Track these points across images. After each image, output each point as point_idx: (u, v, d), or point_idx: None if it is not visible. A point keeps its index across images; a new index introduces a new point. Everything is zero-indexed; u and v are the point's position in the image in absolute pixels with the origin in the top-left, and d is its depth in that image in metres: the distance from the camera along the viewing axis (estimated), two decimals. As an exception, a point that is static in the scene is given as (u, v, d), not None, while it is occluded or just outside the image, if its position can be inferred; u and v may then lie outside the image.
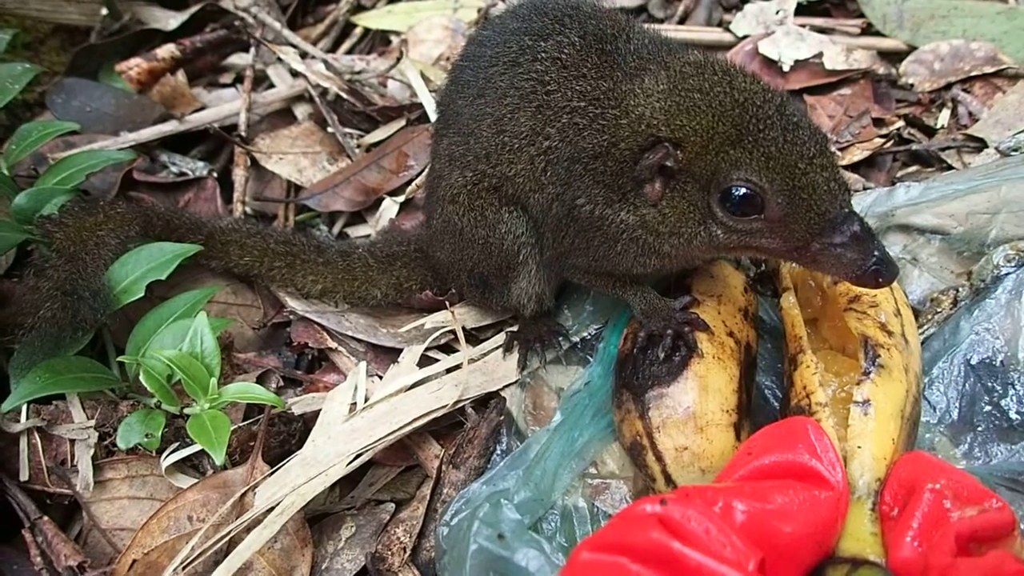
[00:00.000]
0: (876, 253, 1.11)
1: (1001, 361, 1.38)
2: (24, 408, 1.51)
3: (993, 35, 2.00)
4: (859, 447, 1.17)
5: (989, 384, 1.38)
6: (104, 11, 2.31)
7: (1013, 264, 1.42)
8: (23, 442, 1.50)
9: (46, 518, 1.42)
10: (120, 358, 1.48)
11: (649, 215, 1.24)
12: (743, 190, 1.14)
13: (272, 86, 2.27)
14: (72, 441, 1.50)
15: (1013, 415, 1.35)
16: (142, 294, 1.53)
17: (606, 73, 1.28)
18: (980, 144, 1.80)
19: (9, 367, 1.47)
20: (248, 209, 2.00)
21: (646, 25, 2.12)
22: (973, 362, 1.40)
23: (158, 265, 1.54)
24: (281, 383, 1.67)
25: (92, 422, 1.50)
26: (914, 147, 1.85)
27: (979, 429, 1.37)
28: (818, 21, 2.17)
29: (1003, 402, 1.36)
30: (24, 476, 1.47)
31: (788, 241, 1.16)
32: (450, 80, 1.48)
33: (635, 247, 1.28)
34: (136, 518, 1.43)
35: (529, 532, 1.23)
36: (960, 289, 1.48)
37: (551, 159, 1.30)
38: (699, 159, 1.17)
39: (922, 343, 1.44)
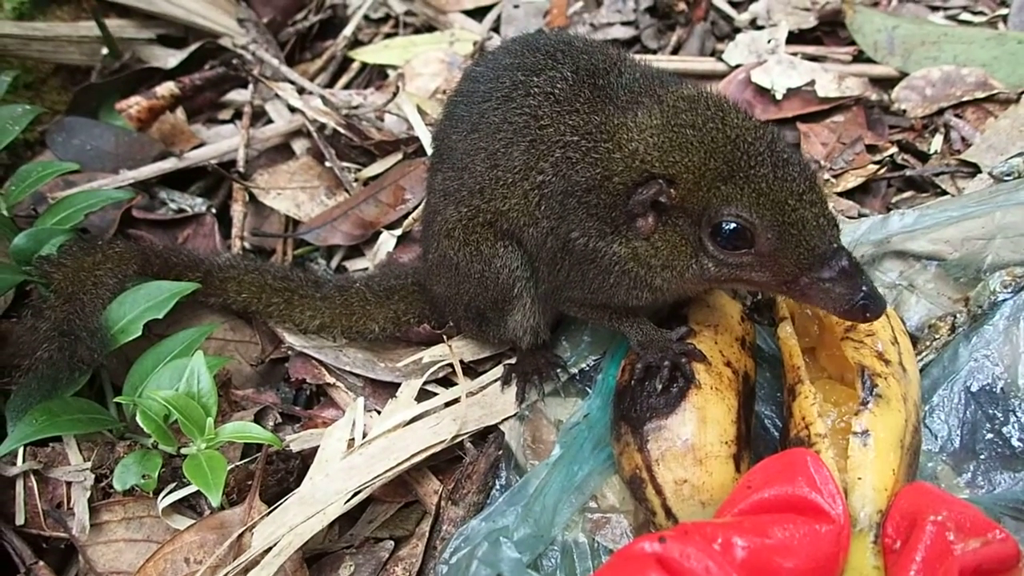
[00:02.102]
0: (864, 288, 1.13)
1: (1001, 388, 1.37)
2: (20, 451, 1.51)
3: (983, 60, 2.01)
4: (859, 478, 1.16)
5: (990, 411, 1.37)
6: (104, 50, 2.34)
7: (1010, 290, 1.42)
8: (19, 485, 1.49)
9: (42, 563, 1.41)
10: (117, 399, 1.48)
11: (641, 248, 1.25)
12: (733, 225, 1.15)
13: (270, 122, 2.29)
14: (68, 484, 1.49)
15: (1015, 442, 1.34)
16: (139, 333, 1.53)
17: (598, 107, 1.28)
18: (974, 169, 1.80)
19: (6, 409, 1.47)
20: (247, 244, 2.01)
21: (639, 56, 2.15)
22: (973, 389, 1.39)
23: (156, 304, 1.55)
24: (279, 419, 1.66)
25: (88, 464, 1.49)
26: (908, 173, 1.86)
27: (982, 457, 1.35)
28: (810, 49, 2.19)
29: (1005, 429, 1.35)
30: (20, 520, 1.46)
31: (777, 275, 1.18)
32: (445, 115, 1.49)
33: (627, 280, 1.29)
34: (133, 561, 1.42)
35: (529, 571, 1.22)
36: (958, 315, 1.47)
37: (545, 193, 1.30)
38: (691, 195, 1.18)
39: (921, 370, 1.43)
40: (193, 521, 1.44)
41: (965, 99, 1.96)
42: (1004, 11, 2.19)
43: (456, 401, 1.55)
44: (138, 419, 1.40)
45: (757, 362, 1.48)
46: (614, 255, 1.27)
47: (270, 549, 1.34)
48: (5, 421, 1.47)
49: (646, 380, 1.35)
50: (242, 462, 1.50)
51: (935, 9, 2.26)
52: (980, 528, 1.06)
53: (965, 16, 2.22)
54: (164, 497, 1.45)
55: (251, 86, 2.32)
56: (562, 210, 1.29)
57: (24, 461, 1.51)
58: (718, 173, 1.15)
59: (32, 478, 1.50)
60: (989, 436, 1.36)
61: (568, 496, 1.38)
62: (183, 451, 1.43)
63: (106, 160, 2.13)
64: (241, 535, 1.37)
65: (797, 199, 1.13)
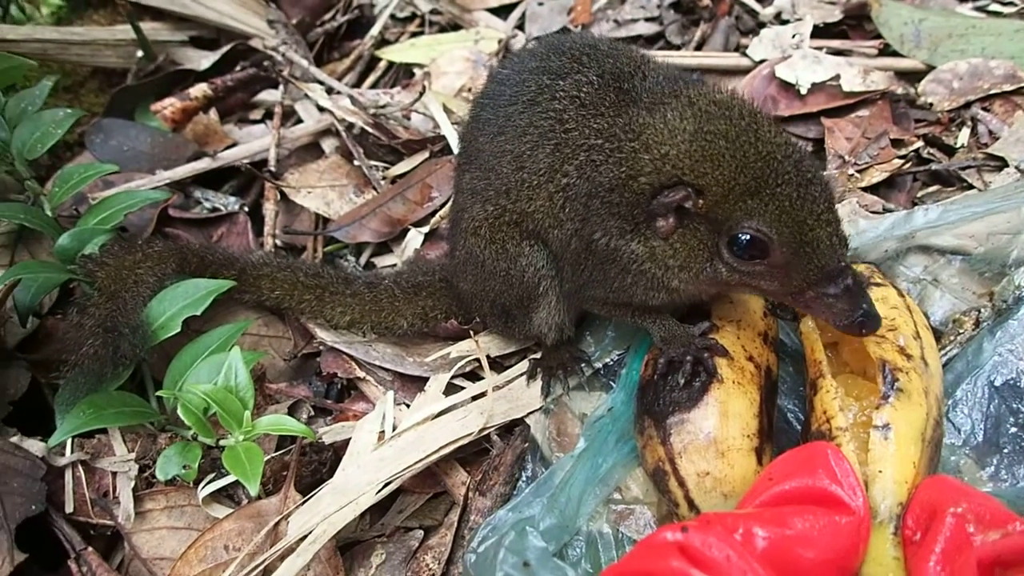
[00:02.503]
0: (864, 306, 1.19)
1: (1025, 382, 1.38)
2: (69, 442, 1.58)
3: (1012, 53, 1.99)
4: (880, 471, 1.18)
5: (1014, 405, 1.37)
6: (140, 53, 2.40)
7: (1035, 285, 1.42)
8: (68, 475, 1.56)
9: (90, 549, 1.47)
10: (159, 392, 1.54)
11: (659, 248, 1.27)
12: (751, 236, 1.19)
13: (300, 121, 2.34)
14: (114, 474, 1.56)
15: (1039, 437, 1.35)
16: (179, 329, 1.58)
17: (623, 110, 1.30)
18: (1001, 163, 1.80)
19: (55, 403, 1.53)
20: (278, 242, 2.06)
21: (664, 53, 2.16)
22: (997, 383, 1.39)
23: (193, 301, 1.60)
24: (312, 412, 1.71)
25: (132, 455, 1.56)
26: (934, 167, 1.85)
27: (1005, 451, 1.36)
28: (835, 43, 2.19)
29: (1029, 423, 1.36)
30: (69, 508, 1.53)
31: (785, 286, 1.22)
32: (471, 117, 1.52)
33: (644, 280, 1.32)
34: (175, 548, 1.48)
35: (554, 559, 1.25)
36: (982, 310, 1.48)
37: (569, 196, 1.33)
38: (717, 206, 1.20)
39: (945, 364, 1.44)
40: (232, 510, 1.49)
41: (993, 92, 1.95)
42: (1034, 1, 2.17)
43: (483, 395, 1.58)
44: (179, 412, 1.46)
45: (780, 357, 1.50)
46: (632, 253, 1.29)
47: (305, 537, 1.39)
48: (54, 414, 1.54)
49: (669, 375, 1.37)
50: (277, 453, 1.56)
51: (963, 0, 2.24)
52: (1000, 520, 1.07)
53: (994, 7, 2.20)
54: (204, 487, 1.50)
55: (281, 86, 2.37)
56: (586, 212, 1.31)
57: (72, 452, 1.58)
58: (746, 188, 1.18)
59: (80, 468, 1.57)
60: (1013, 430, 1.36)
61: (593, 488, 1.41)
62: (222, 443, 1.48)
63: (143, 160, 2.19)
64: (277, 524, 1.42)
65: (815, 219, 1.17)
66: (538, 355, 1.64)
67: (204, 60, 2.45)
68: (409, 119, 2.25)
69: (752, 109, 1.25)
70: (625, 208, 1.28)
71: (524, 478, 1.51)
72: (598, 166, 1.29)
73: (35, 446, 1.56)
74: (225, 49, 2.46)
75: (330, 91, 2.34)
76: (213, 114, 2.34)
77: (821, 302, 1.21)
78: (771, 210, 1.17)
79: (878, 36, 2.17)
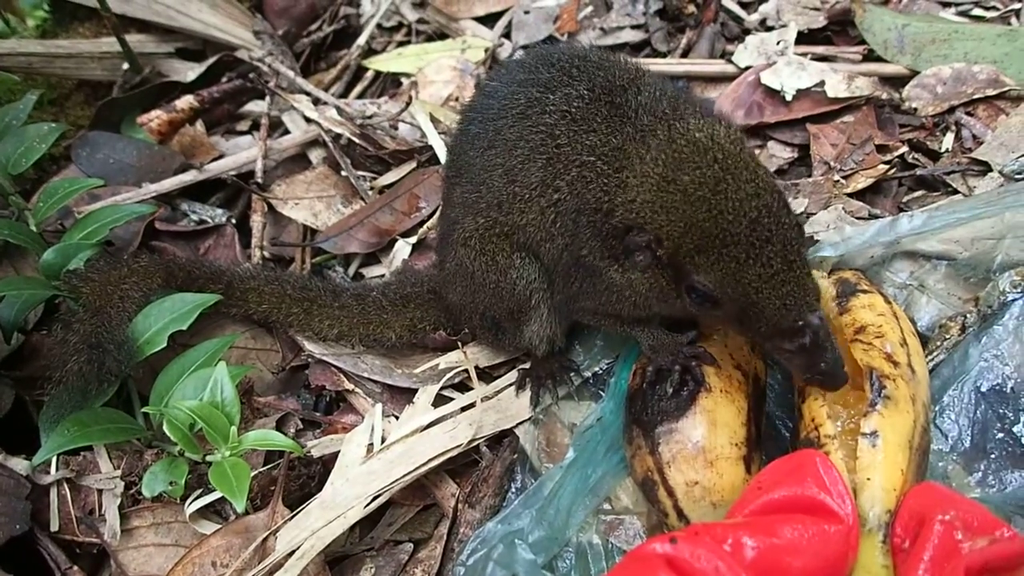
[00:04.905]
0: (823, 365, 1.17)
1: (1012, 388, 1.38)
2: (54, 460, 1.56)
3: (995, 57, 2.01)
4: (868, 479, 1.18)
5: (1001, 411, 1.38)
6: (125, 65, 2.39)
7: (1019, 290, 1.43)
8: (53, 493, 1.55)
9: (76, 568, 1.46)
10: (144, 408, 1.53)
11: (637, 280, 1.28)
12: (700, 290, 1.19)
13: (287, 132, 2.33)
14: (100, 491, 1.55)
15: (1026, 441, 1.35)
16: (165, 344, 1.58)
17: (616, 127, 1.28)
18: (985, 167, 1.80)
19: (39, 420, 1.52)
20: (266, 254, 2.05)
21: (650, 60, 2.16)
22: (983, 389, 1.40)
23: (180, 316, 1.59)
24: (300, 425, 1.70)
25: (118, 472, 1.55)
26: (919, 172, 1.86)
27: (992, 456, 1.36)
28: (819, 49, 2.19)
29: (1015, 429, 1.36)
30: (55, 526, 1.52)
31: (745, 332, 1.26)
32: (459, 131, 1.51)
33: (628, 301, 1.33)
34: (162, 565, 1.47)
35: (544, 572, 1.25)
36: (968, 315, 1.48)
37: (560, 210, 1.32)
38: (673, 255, 1.20)
39: (932, 370, 1.44)
40: (219, 526, 1.48)
41: (976, 97, 1.95)
42: (1016, 5, 2.18)
43: (472, 406, 1.58)
44: (165, 428, 1.45)
45: (768, 364, 1.50)
46: (611, 279, 1.31)
47: (293, 552, 1.38)
48: (39, 431, 1.53)
49: (657, 384, 1.38)
50: (265, 468, 1.54)
51: (946, 5, 2.25)
52: (988, 527, 1.07)
53: (977, 12, 2.21)
54: (191, 503, 1.49)
55: (268, 97, 2.37)
56: (575, 227, 1.31)
57: (57, 470, 1.56)
58: (695, 245, 1.16)
59: (65, 486, 1.56)
60: (1000, 435, 1.37)
61: (582, 498, 1.41)
62: (208, 458, 1.47)
63: (129, 173, 2.18)
64: (265, 539, 1.41)
65: (764, 281, 1.13)
66: (527, 365, 1.63)
67: (190, 72, 2.44)
68: (396, 129, 2.24)
69: (729, 153, 1.18)
70: (608, 234, 1.27)
71: (513, 489, 1.50)
72: (588, 183, 1.27)
73: (19, 464, 1.55)
74: (211, 61, 2.45)
75: (317, 102, 2.33)
76: (200, 126, 2.33)
77: (779, 353, 1.22)
78: (717, 270, 1.15)
79: (862, 42, 2.18)
